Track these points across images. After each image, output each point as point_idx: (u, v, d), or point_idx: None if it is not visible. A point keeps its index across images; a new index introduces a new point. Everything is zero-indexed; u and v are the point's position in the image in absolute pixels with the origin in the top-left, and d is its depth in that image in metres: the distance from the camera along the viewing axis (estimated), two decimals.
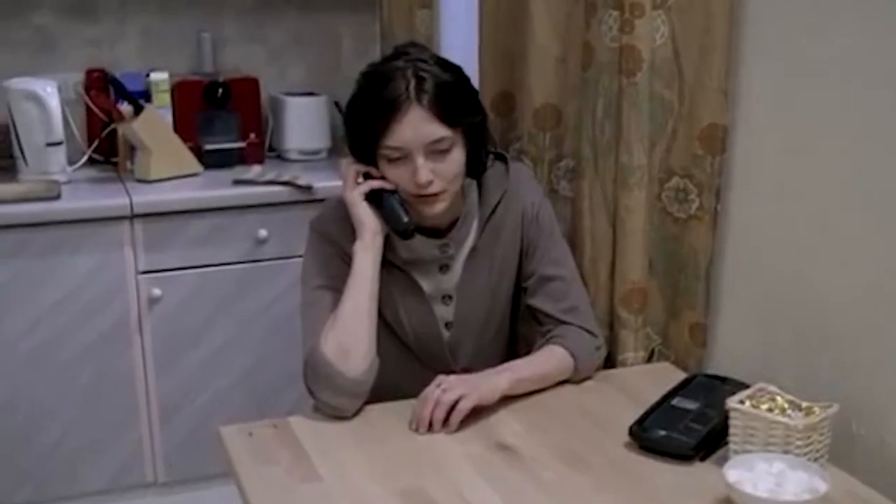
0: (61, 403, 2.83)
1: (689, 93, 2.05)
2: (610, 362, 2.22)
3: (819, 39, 1.81)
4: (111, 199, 2.81)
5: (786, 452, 1.58)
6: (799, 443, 1.58)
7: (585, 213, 2.21)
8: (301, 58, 3.43)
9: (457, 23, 2.84)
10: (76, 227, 2.75)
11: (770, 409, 1.64)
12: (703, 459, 1.70)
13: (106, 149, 3.13)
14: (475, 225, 2.01)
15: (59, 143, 2.93)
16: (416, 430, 1.81)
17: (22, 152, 2.92)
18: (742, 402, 1.65)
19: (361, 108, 1.89)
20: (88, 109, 3.13)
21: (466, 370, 2.01)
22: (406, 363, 2.04)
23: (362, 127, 1.88)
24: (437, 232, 1.98)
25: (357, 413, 1.88)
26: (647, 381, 2.01)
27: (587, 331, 2.02)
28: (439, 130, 1.83)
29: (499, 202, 2.02)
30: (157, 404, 2.92)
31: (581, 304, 2.06)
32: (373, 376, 1.88)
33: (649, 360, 2.22)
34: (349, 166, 1.94)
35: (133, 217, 2.78)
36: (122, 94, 2.99)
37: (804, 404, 1.65)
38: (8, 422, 2.80)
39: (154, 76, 3.09)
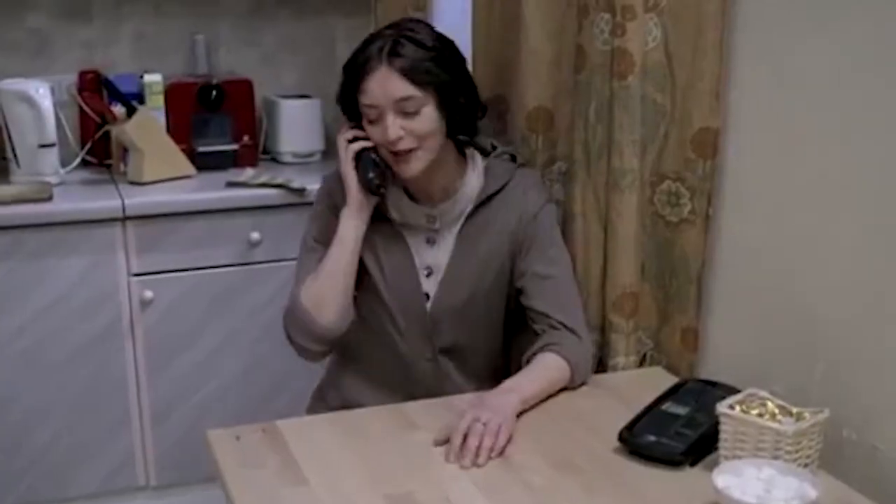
0: (53, 406, 2.83)
1: (681, 96, 2.05)
2: (601, 367, 2.22)
3: (811, 43, 1.81)
4: (103, 200, 2.80)
5: (776, 458, 1.57)
6: (789, 448, 1.58)
7: (577, 216, 2.20)
8: (295, 60, 3.42)
9: (450, 26, 2.82)
10: (68, 229, 2.74)
11: (760, 415, 1.63)
12: (692, 465, 1.70)
13: (99, 151, 3.12)
14: (468, 210, 2.05)
15: (51, 145, 2.92)
16: (452, 459, 1.72)
17: (14, 154, 2.91)
18: (732, 407, 1.65)
19: (345, 69, 2.00)
20: (81, 111, 3.11)
21: (446, 351, 2.08)
22: (390, 336, 2.10)
23: (344, 87, 2.00)
24: (431, 203, 2.04)
25: (341, 408, 1.99)
26: (638, 386, 2.00)
27: (578, 335, 2.01)
28: (405, 89, 1.91)
29: (495, 194, 2.05)
30: (148, 407, 2.91)
31: (573, 305, 2.05)
32: (343, 326, 2.03)
33: (641, 364, 2.21)
34: (344, 126, 2.04)
35: (125, 219, 2.77)
36: (116, 95, 2.99)
37: (795, 410, 1.64)
38: None
39: (147, 78, 3.08)
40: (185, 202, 2.85)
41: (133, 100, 2.99)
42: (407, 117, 1.92)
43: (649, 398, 1.86)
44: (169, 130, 3.06)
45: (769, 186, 1.94)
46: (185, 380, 2.92)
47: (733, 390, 1.77)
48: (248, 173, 3.02)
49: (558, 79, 2.28)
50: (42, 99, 2.88)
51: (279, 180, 2.92)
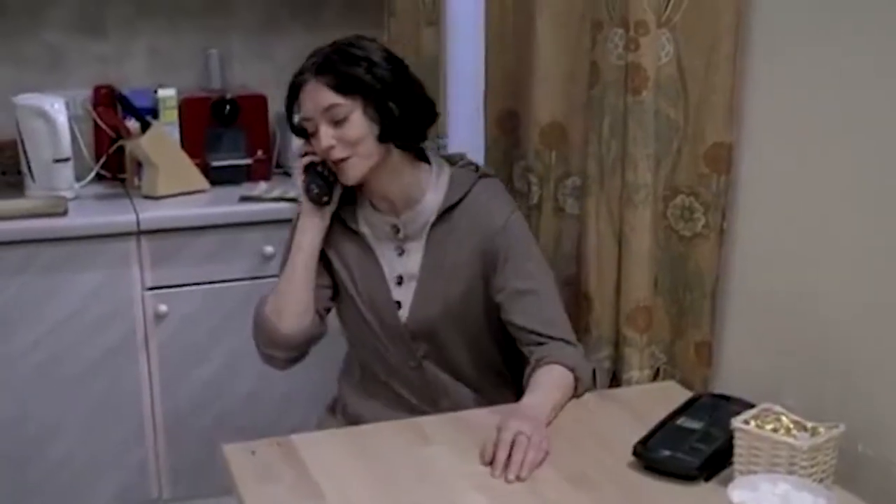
0: (67, 420, 2.84)
1: (695, 111, 2.05)
2: (615, 381, 2.22)
3: (825, 58, 1.81)
4: (118, 215, 2.82)
5: (790, 473, 1.57)
6: (804, 463, 1.57)
7: (591, 231, 2.21)
8: None
9: (464, 40, 2.84)
10: (83, 244, 2.76)
11: (775, 430, 1.63)
12: (707, 480, 1.69)
13: (113, 165, 3.14)
14: (432, 219, 2.06)
15: (66, 160, 2.94)
16: (499, 474, 1.71)
17: (29, 168, 2.93)
18: (747, 422, 1.64)
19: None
20: (96, 126, 3.13)
21: (430, 358, 2.10)
22: (375, 347, 2.13)
23: (288, 106, 2.04)
24: (395, 213, 2.06)
25: (343, 419, 2.10)
26: (652, 400, 2.00)
27: (569, 342, 2.01)
28: (331, 97, 1.95)
29: (455, 205, 2.05)
30: (162, 421, 2.92)
31: (557, 316, 2.04)
32: (302, 333, 2.08)
33: (655, 378, 2.21)
34: (300, 147, 2.10)
35: (140, 233, 2.79)
36: (130, 110, 3.00)
37: (810, 425, 1.64)
38: (14, 438, 2.81)
39: (162, 92, 3.10)
40: (198, 216, 2.87)
41: (147, 114, 3.01)
42: (337, 126, 1.96)
43: (663, 412, 1.86)
44: (183, 145, 3.08)
45: (784, 201, 1.94)
46: (199, 393, 2.93)
47: (748, 405, 1.77)
48: (261, 187, 3.04)
49: (572, 94, 2.29)
50: (57, 114, 2.90)
51: (292, 194, 2.92)
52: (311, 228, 2.07)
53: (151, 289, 2.84)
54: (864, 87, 1.74)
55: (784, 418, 1.66)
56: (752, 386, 1.96)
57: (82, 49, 3.23)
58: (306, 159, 2.05)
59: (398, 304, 2.09)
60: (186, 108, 3.12)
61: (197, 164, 3.06)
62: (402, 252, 2.08)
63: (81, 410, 2.84)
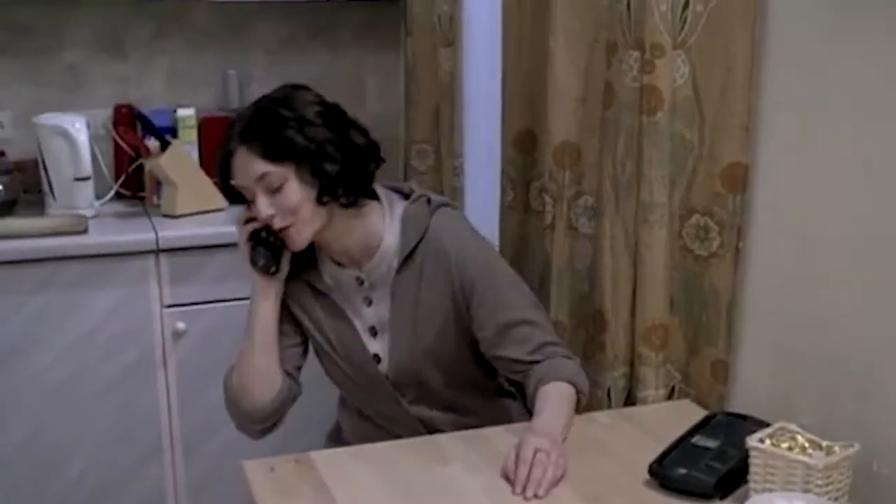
0: (85, 437, 2.86)
1: (710, 131, 2.06)
2: (630, 399, 2.22)
3: (841, 79, 1.82)
4: (137, 233, 2.84)
5: (806, 492, 1.57)
6: (819, 482, 1.58)
7: (606, 250, 2.22)
8: (326, 95, 3.43)
9: (480, 61, 2.87)
10: (103, 262, 2.78)
11: (790, 448, 1.64)
12: (722, 498, 1.70)
13: (133, 184, 3.16)
14: (395, 265, 1.99)
15: (86, 178, 2.96)
16: (522, 493, 1.70)
17: (50, 187, 2.96)
18: (762, 440, 1.65)
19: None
20: (116, 145, 3.16)
21: (417, 402, 2.07)
22: (360, 399, 2.13)
23: (221, 173, 1.95)
24: (358, 266, 2.00)
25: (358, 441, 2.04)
26: (667, 419, 2.01)
27: (565, 356, 1.99)
28: (262, 166, 1.86)
29: (418, 244, 1.97)
30: (180, 438, 2.93)
31: (549, 337, 2.00)
32: (274, 402, 2.04)
33: (670, 397, 2.21)
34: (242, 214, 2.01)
35: (159, 251, 2.81)
36: (150, 129, 3.03)
37: (825, 443, 1.65)
38: (33, 454, 2.83)
39: (181, 112, 3.13)
40: (217, 235, 2.88)
41: (166, 134, 3.04)
42: (274, 194, 1.87)
43: (678, 431, 1.87)
44: (202, 164, 3.10)
45: (799, 221, 1.95)
46: (217, 411, 2.90)
47: (763, 423, 1.78)
48: None
49: (586, 114, 2.30)
50: (78, 133, 2.93)
51: None
52: (265, 302, 2.01)
53: (170, 306, 2.86)
54: (880, 107, 1.75)
55: (799, 437, 1.67)
56: (767, 404, 1.97)
57: (103, 69, 3.26)
58: (250, 227, 1.97)
59: (376, 357, 2.04)
60: (205, 127, 3.15)
61: (215, 183, 3.07)
62: (370, 302, 2.02)
63: (100, 427, 2.86)
